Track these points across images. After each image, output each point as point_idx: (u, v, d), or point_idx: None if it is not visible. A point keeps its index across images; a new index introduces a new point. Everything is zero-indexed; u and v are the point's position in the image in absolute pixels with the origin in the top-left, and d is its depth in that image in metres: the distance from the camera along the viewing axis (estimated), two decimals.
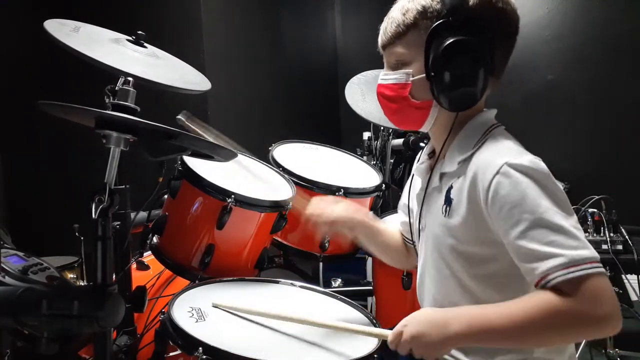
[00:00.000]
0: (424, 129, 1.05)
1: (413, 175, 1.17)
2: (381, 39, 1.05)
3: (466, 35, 0.92)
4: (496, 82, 1.01)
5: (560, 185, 0.91)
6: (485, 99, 1.03)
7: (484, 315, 0.89)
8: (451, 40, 0.92)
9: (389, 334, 0.96)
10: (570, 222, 0.86)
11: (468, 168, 0.95)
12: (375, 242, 1.29)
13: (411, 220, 1.17)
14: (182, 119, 1.23)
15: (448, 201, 0.99)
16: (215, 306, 1.22)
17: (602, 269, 0.83)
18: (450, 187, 0.99)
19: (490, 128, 1.00)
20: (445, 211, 0.99)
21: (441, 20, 0.94)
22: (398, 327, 0.93)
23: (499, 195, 0.88)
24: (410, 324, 0.93)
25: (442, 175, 1.03)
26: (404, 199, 1.25)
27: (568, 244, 0.84)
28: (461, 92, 0.94)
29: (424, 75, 0.96)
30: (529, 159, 0.90)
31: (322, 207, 1.24)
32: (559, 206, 0.86)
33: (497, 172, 0.89)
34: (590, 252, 0.84)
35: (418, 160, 1.15)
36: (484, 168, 0.92)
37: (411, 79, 0.99)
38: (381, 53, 1.07)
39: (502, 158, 0.90)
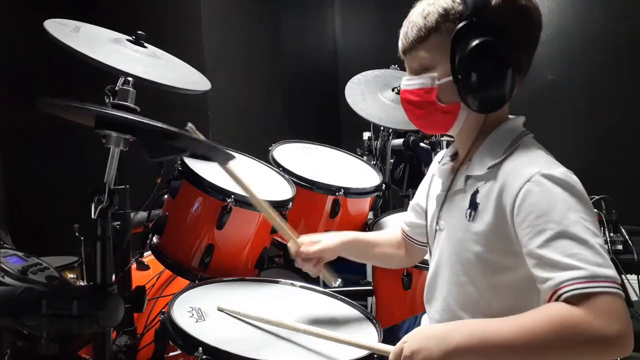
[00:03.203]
0: (451, 132, 1.03)
1: (433, 175, 1.16)
2: (402, 43, 1.03)
3: (491, 35, 0.91)
4: (522, 81, 0.99)
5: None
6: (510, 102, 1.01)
7: (488, 327, 0.85)
8: (477, 42, 0.90)
9: (391, 350, 0.93)
10: (597, 241, 0.82)
11: (498, 174, 0.94)
12: (371, 255, 1.33)
13: (427, 221, 1.15)
14: (193, 128, 1.23)
15: (473, 205, 0.97)
16: (220, 310, 1.22)
17: (621, 291, 0.79)
18: (477, 192, 0.97)
19: (520, 135, 0.99)
20: (470, 215, 0.97)
21: (465, 22, 0.92)
22: (399, 344, 0.90)
23: (526, 203, 0.86)
24: (410, 339, 0.89)
25: (467, 177, 1.00)
26: (417, 199, 1.24)
27: (592, 259, 0.80)
28: (490, 93, 0.93)
29: (451, 78, 0.95)
30: (562, 170, 0.88)
31: (309, 247, 1.24)
32: (589, 222, 0.83)
33: (528, 180, 0.87)
34: (614, 272, 0.80)
35: (440, 162, 1.12)
36: (514, 175, 0.90)
37: (437, 82, 0.97)
38: (402, 58, 1.04)
39: (535, 167, 0.88)
